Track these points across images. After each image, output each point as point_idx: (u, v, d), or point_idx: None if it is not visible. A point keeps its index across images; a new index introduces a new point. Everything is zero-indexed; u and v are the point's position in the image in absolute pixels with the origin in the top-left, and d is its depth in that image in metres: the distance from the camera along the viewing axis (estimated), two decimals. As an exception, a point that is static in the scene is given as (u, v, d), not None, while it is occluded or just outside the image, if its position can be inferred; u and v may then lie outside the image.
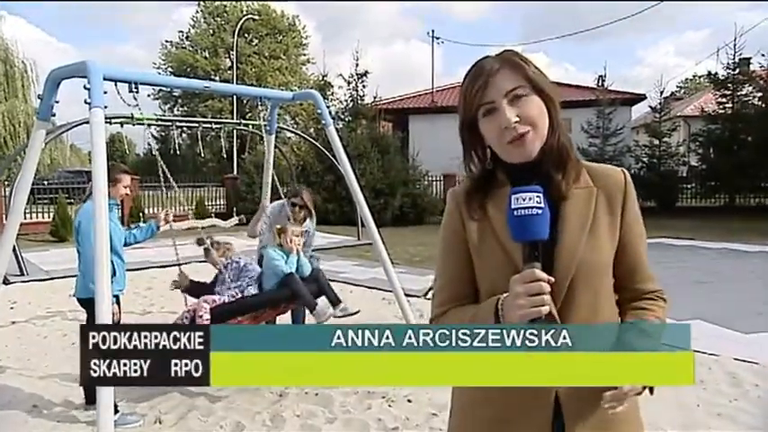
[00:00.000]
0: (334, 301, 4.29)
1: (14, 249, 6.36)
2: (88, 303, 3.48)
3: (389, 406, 3.67)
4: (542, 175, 1.15)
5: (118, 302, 3.78)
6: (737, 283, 7.52)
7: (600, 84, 19.64)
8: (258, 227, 4.87)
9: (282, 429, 3.40)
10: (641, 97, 20.84)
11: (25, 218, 9.35)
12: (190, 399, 3.84)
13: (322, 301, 4.23)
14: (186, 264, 4.28)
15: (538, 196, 1.07)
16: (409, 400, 3.71)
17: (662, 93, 18.71)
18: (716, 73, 18.54)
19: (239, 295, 4.02)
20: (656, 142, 18.51)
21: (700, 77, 39.00)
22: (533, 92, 1.15)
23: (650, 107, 19.44)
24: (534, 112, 1.14)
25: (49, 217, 13.63)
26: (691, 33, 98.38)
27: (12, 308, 6.46)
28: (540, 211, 1.07)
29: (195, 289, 4.21)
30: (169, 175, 4.10)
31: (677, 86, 40.94)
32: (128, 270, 3.99)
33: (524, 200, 1.07)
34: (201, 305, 3.84)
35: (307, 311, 4.37)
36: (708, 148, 18.12)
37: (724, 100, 18.05)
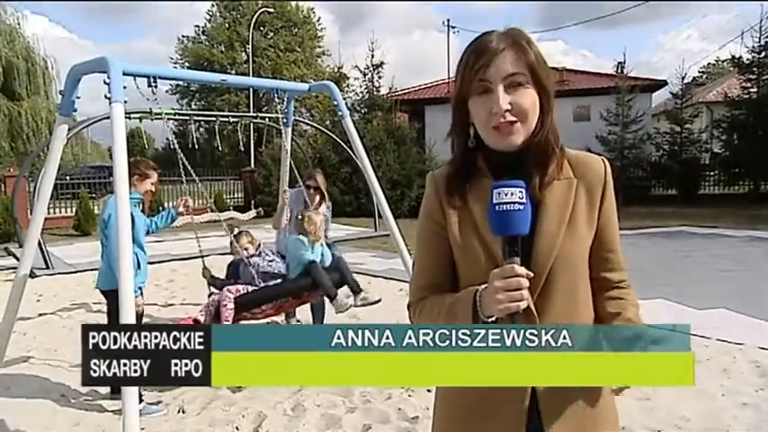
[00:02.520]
0: (356, 290, 4.40)
1: (39, 243, 6.50)
2: (110, 294, 3.55)
3: (409, 396, 3.68)
4: (523, 169, 1.14)
5: (141, 294, 3.85)
6: (762, 271, 7.35)
7: (619, 70, 19.28)
8: (284, 218, 4.88)
9: (303, 419, 3.43)
10: (662, 83, 20.40)
11: (49, 213, 9.57)
12: (212, 389, 3.90)
13: (342, 291, 4.28)
14: (207, 256, 4.35)
15: (520, 191, 1.06)
16: (429, 390, 3.71)
17: (683, 78, 18.32)
18: (740, 57, 18.05)
19: (262, 284, 4.09)
20: (678, 129, 18.11)
21: (723, 62, 38.04)
22: (531, 83, 1.13)
23: (671, 93, 19.01)
24: (527, 104, 1.12)
25: (71, 212, 13.89)
26: (714, 17, 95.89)
27: (38, 300, 6.61)
28: (521, 207, 1.06)
29: (218, 282, 4.28)
30: (190, 169, 4.15)
31: (699, 72, 39.98)
32: (148, 263, 4.05)
33: (506, 195, 1.06)
34: (225, 294, 3.92)
35: (327, 301, 4.45)
36: (731, 134, 17.68)
37: (749, 84, 17.58)
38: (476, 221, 1.17)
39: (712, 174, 18.62)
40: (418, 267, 1.28)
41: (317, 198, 4.91)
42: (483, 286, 1.08)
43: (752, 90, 17.49)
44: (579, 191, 1.18)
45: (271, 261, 4.30)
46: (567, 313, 1.15)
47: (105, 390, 3.77)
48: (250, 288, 4.06)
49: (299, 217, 4.39)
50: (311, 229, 4.22)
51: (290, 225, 4.95)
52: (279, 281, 4.20)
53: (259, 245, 4.42)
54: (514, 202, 1.05)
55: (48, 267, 8.41)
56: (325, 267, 4.23)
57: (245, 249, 4.27)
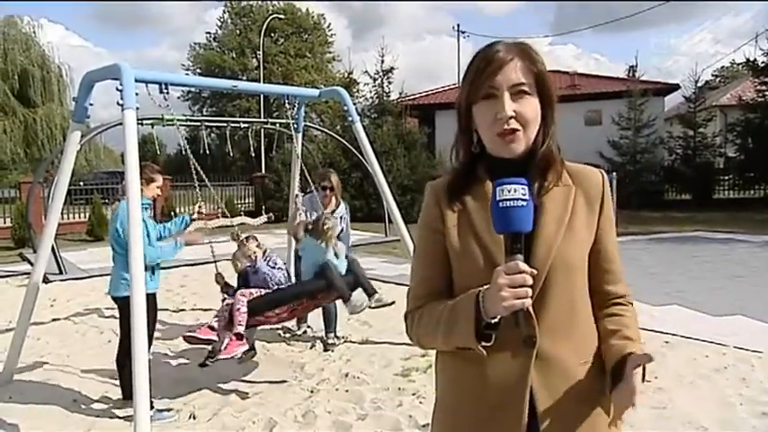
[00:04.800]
0: (370, 292, 4.33)
1: (53, 249, 6.55)
2: (122, 300, 3.56)
3: (420, 403, 3.65)
4: (524, 176, 1.13)
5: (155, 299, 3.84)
6: (780, 278, 7.23)
7: (631, 74, 19.13)
8: (300, 227, 4.69)
9: (314, 425, 3.41)
10: (674, 87, 20.22)
11: (62, 218, 9.66)
12: (223, 395, 3.90)
13: (356, 292, 4.23)
14: (219, 261, 4.33)
15: (523, 188, 1.06)
16: (440, 397, 3.68)
17: (696, 82, 18.14)
18: (755, 60, 17.85)
19: (275, 287, 4.03)
20: (691, 133, 17.96)
21: (737, 65, 37.64)
22: (536, 93, 1.16)
23: (684, 97, 18.85)
24: (531, 114, 1.15)
25: (85, 217, 14.01)
26: (728, 20, 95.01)
27: (52, 305, 6.66)
28: (524, 204, 1.05)
29: (231, 290, 4.21)
30: (203, 175, 4.15)
31: (712, 75, 39.52)
32: (161, 268, 4.03)
33: (509, 191, 1.05)
34: (239, 298, 3.86)
35: (340, 306, 4.44)
36: (746, 137, 17.48)
37: (763, 87, 17.37)
38: (475, 225, 1.19)
39: (727, 178, 18.41)
40: (417, 277, 1.29)
41: (333, 199, 4.89)
42: (485, 287, 1.07)
43: (767, 93, 17.26)
44: (578, 197, 1.20)
45: (276, 268, 4.17)
46: (565, 318, 1.16)
47: (117, 396, 3.78)
48: (263, 291, 3.98)
49: (316, 220, 4.34)
50: (328, 233, 4.16)
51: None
52: (293, 282, 4.11)
53: (265, 251, 4.32)
54: (517, 199, 1.05)
55: (61, 273, 8.47)
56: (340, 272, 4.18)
57: (254, 253, 4.18)
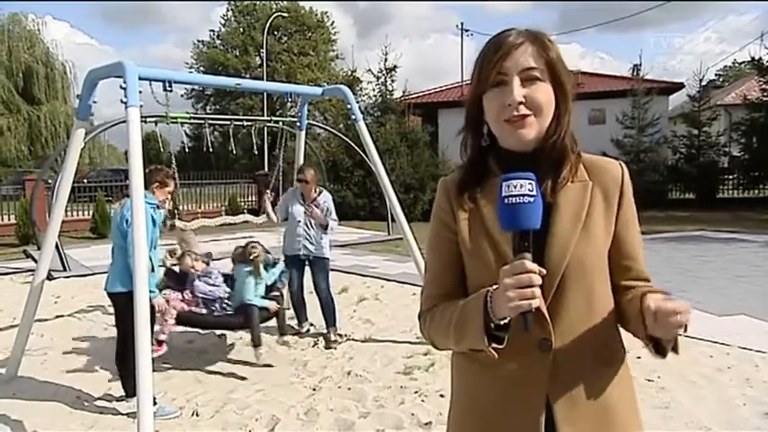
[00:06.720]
0: (281, 331, 4.74)
1: (57, 246, 6.58)
2: (119, 297, 3.58)
3: (422, 401, 3.65)
4: (536, 171, 1.08)
5: (158, 296, 3.93)
6: (784, 278, 7.20)
7: (635, 73, 19.07)
8: (272, 215, 5.36)
9: (316, 423, 3.42)
10: (679, 86, 20.15)
11: (66, 216, 9.69)
12: (226, 392, 3.91)
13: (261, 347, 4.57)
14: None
15: (530, 183, 1.00)
16: (441, 395, 3.68)
17: (701, 81, 18.07)
18: (759, 58, 17.76)
19: (202, 307, 4.45)
20: (696, 132, 17.90)
21: (741, 64, 37.48)
22: (549, 79, 1.10)
23: (689, 96, 18.78)
24: (543, 99, 1.09)
25: (88, 214, 14.06)
26: (733, 18, 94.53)
27: (56, 302, 6.69)
28: (531, 200, 0.99)
29: (173, 275, 4.62)
30: (176, 175, 4.38)
31: (716, 74, 39.36)
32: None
33: (516, 187, 0.99)
34: (170, 310, 4.17)
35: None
36: (750, 137, 17.40)
37: (769, 87, 17.31)
38: (486, 223, 1.14)
39: (731, 177, 18.35)
40: (430, 276, 1.26)
41: (312, 190, 5.01)
42: (495, 287, 1.02)
43: (772, 92, 17.19)
44: (595, 194, 1.15)
45: (214, 286, 4.55)
46: (583, 320, 1.12)
47: (120, 392, 3.79)
48: (194, 308, 4.41)
49: (245, 246, 4.67)
50: (255, 260, 4.48)
51: (288, 223, 5.05)
52: (219, 313, 4.50)
53: (207, 263, 4.69)
54: (524, 195, 0.99)
55: (65, 270, 8.50)
56: (265, 297, 4.58)
57: (192, 268, 4.57)
